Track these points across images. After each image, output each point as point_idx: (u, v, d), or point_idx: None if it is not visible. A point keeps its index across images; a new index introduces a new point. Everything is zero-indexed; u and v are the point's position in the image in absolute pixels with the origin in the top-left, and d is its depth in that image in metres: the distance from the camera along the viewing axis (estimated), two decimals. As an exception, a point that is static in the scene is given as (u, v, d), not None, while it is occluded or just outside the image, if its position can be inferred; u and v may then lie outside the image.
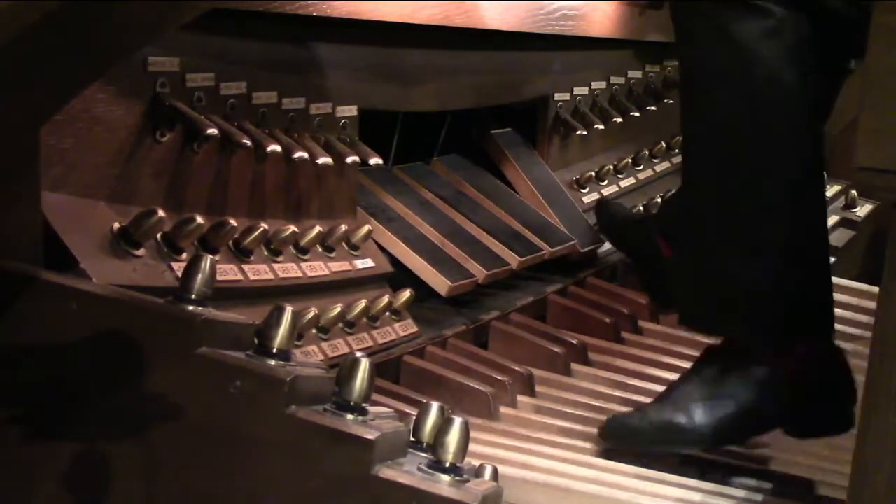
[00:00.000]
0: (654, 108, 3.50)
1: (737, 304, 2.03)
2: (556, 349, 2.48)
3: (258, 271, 1.96)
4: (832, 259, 3.43)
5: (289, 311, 1.37)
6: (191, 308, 1.37)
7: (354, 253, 2.22)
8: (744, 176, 1.98)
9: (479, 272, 2.50)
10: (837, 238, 3.68)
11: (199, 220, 1.82)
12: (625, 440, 2.05)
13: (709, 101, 2.01)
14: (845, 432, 2.03)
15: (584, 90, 3.22)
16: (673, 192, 3.09)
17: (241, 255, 1.95)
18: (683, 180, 2.20)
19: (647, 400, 2.33)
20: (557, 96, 3.10)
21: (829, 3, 1.96)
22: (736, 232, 2.00)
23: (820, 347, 2.05)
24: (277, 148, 1.97)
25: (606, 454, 2.08)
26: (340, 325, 2.10)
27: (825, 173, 2.22)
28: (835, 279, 3.08)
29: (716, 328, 2.11)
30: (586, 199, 3.14)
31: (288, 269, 2.03)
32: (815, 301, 2.05)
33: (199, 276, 1.40)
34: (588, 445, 2.12)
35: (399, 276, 2.35)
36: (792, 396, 2.01)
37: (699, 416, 2.01)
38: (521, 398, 2.28)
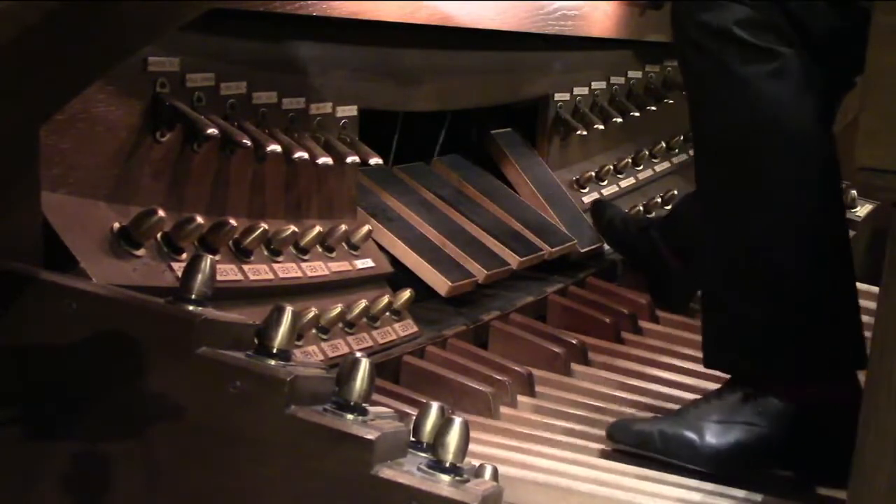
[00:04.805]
0: (654, 108, 3.50)
1: (754, 344, 2.03)
2: (556, 349, 2.48)
3: (258, 271, 1.96)
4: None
5: (289, 311, 1.37)
6: (191, 308, 1.37)
7: (354, 253, 2.22)
8: (757, 215, 1.98)
9: (479, 272, 2.50)
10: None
11: (199, 220, 1.82)
12: (630, 443, 2.05)
13: (718, 142, 2.02)
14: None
15: (584, 90, 3.22)
16: (677, 202, 3.08)
17: (241, 255, 1.95)
18: (699, 213, 2.18)
19: (648, 400, 2.33)
20: (557, 96, 3.10)
21: (826, 23, 1.96)
22: (753, 274, 2.00)
23: (838, 391, 2.00)
24: (277, 148, 1.97)
25: (607, 454, 2.09)
26: (340, 325, 2.10)
27: (843, 206, 2.21)
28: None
29: (736, 368, 2.10)
30: (586, 199, 3.14)
31: (288, 269, 2.03)
32: (835, 345, 2.03)
33: (199, 276, 1.40)
34: (588, 445, 2.11)
35: (399, 276, 2.35)
36: (799, 436, 2.00)
37: (710, 436, 2.02)
38: (521, 398, 2.27)
